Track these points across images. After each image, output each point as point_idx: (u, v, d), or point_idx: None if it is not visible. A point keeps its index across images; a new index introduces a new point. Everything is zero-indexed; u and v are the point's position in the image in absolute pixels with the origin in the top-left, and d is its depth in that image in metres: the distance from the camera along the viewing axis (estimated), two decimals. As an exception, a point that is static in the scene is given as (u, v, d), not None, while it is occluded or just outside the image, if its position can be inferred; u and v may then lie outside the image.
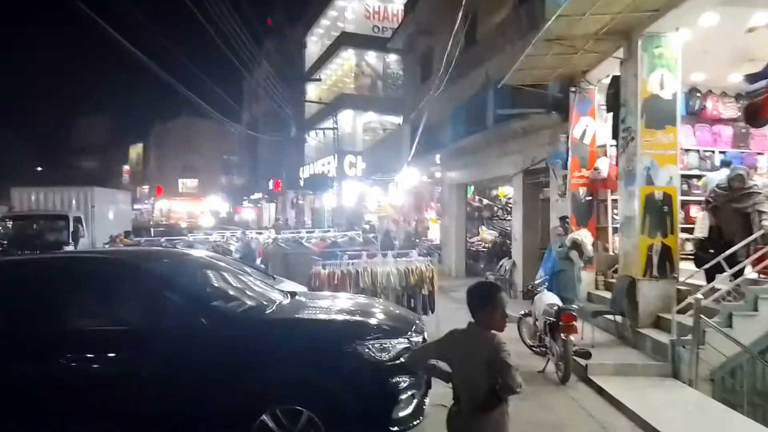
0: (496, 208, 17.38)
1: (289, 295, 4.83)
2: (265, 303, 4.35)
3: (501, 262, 12.59)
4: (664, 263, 6.99)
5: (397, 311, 4.78)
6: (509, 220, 17.49)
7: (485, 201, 17.48)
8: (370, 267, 6.40)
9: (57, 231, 12.57)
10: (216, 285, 4.61)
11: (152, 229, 22.99)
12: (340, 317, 4.18)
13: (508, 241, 16.39)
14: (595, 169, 9.04)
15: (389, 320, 4.25)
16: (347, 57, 30.16)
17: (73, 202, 14.29)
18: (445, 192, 16.26)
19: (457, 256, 15.50)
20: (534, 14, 10.12)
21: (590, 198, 9.31)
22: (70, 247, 11.92)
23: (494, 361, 2.52)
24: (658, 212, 6.99)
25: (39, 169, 54.33)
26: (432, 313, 6.54)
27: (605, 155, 9.13)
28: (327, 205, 30.75)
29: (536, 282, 7.52)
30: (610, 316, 7.37)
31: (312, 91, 34.38)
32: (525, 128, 10.01)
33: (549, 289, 7.04)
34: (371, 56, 29.58)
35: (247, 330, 3.76)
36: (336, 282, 6.25)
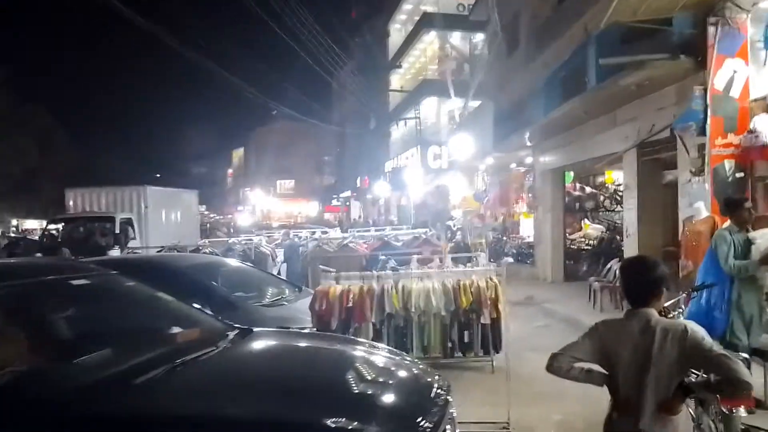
0: (602, 198, 14.44)
1: (234, 335, 2.88)
2: (159, 360, 2.41)
3: (609, 264, 9.85)
4: None
5: (412, 372, 2.64)
6: (619, 211, 14.50)
7: (588, 189, 14.59)
8: (402, 282, 4.31)
9: (106, 234, 11.73)
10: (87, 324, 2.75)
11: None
12: (271, 409, 2.09)
13: (618, 237, 13.48)
14: (750, 131, 6.22)
15: (377, 413, 2.14)
16: (430, 40, 28.03)
17: (126, 202, 13.56)
18: (538, 180, 13.60)
19: (553, 257, 12.80)
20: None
21: (742, 175, 6.49)
22: (115, 252, 10.95)
23: (696, 353, 2.08)
24: None
25: (158, 176, 58.16)
26: (497, 352, 4.30)
27: (766, 111, 6.25)
28: (413, 201, 28.99)
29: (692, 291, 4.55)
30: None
31: (396, 81, 32.76)
32: (640, 83, 7.31)
33: (696, 315, 4.35)
34: (456, 37, 27.14)
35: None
36: (351, 304, 4.25)
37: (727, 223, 4.73)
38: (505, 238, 15.15)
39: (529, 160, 14.58)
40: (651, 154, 8.39)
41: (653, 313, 2.22)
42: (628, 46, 7.41)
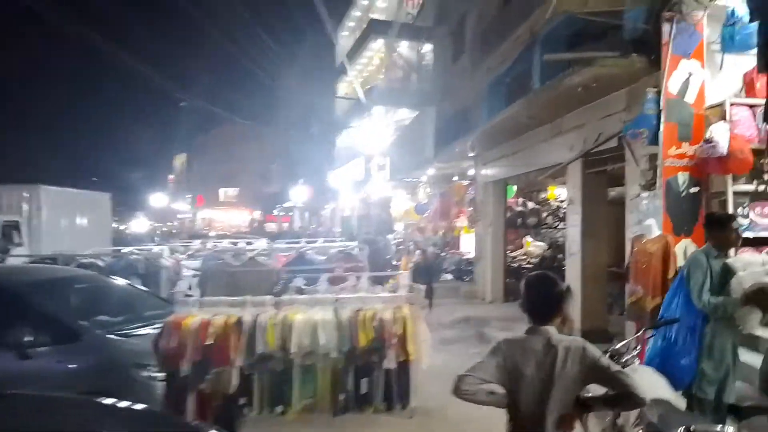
0: (544, 214, 13.86)
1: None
2: None
3: (551, 286, 9.08)
4: None
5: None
6: (562, 228, 13.99)
7: (531, 204, 13.99)
8: (282, 314, 3.22)
9: (-17, 239, 10.04)
10: None
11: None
12: None
13: (560, 256, 12.91)
14: (707, 141, 5.52)
15: None
16: (377, 48, 27.22)
17: (14, 203, 11.76)
18: (480, 193, 12.85)
19: (493, 274, 12.03)
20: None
21: (697, 190, 5.79)
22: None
23: (595, 370, 2.17)
24: None
25: (94, 179, 54.54)
26: (404, 407, 3.23)
27: (723, 119, 5.59)
28: (356, 212, 28.04)
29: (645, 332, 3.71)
30: None
31: (343, 89, 31.87)
32: (587, 85, 6.57)
33: (656, 360, 3.42)
34: (404, 46, 26.50)
35: None
36: (211, 341, 3.13)
37: (683, 243, 3.90)
38: (444, 253, 14.29)
39: (471, 171, 13.85)
40: (597, 166, 7.68)
41: (553, 330, 2.24)
42: (577, 48, 6.68)
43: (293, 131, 40.05)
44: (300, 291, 5.17)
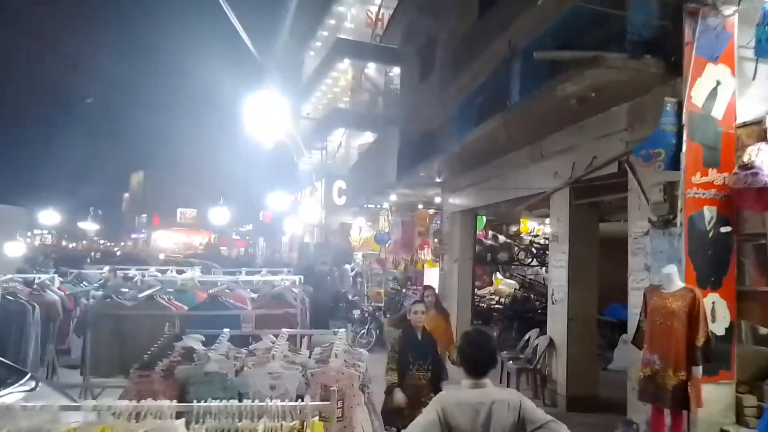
0: (516, 249, 12.61)
1: None
2: None
3: (527, 336, 7.71)
4: None
5: None
6: (534, 265, 12.73)
7: (501, 238, 12.72)
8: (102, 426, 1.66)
9: None
10: None
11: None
12: None
13: (533, 296, 11.61)
14: (744, 167, 4.28)
15: None
16: (344, 69, 26.11)
17: None
18: (446, 223, 11.49)
19: (459, 315, 10.57)
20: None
21: (727, 229, 4.51)
22: None
23: (529, 418, 2.23)
24: None
25: (44, 194, 51.23)
26: None
27: (764, 140, 4.36)
28: (314, 240, 26.41)
29: None
30: None
31: (309, 110, 30.63)
32: (583, 95, 5.31)
33: None
34: (371, 69, 25.47)
35: None
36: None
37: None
38: (404, 290, 12.80)
39: (438, 199, 12.52)
40: (589, 196, 6.40)
41: (490, 383, 2.33)
42: (570, 43, 5.40)
43: (254, 153, 38.44)
44: (189, 356, 3.59)
